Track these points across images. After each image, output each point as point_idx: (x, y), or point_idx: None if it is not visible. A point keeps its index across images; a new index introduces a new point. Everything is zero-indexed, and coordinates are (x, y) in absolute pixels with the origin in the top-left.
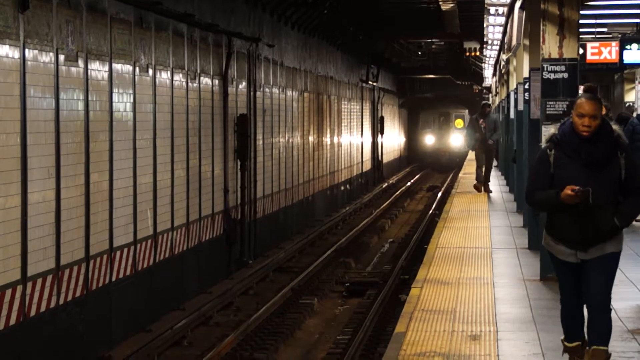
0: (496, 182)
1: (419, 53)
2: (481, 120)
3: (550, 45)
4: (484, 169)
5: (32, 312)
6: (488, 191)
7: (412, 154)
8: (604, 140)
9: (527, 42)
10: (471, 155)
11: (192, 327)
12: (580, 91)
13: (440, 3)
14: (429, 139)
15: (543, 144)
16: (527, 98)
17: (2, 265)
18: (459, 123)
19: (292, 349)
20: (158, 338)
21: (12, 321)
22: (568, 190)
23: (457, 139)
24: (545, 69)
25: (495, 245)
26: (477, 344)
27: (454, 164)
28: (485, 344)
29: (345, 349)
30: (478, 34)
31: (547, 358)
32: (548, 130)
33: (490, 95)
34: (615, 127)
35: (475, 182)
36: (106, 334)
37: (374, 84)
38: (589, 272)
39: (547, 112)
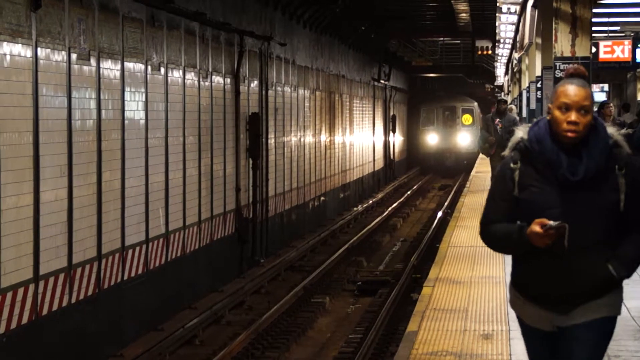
0: None
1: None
2: (497, 120)
3: (562, 44)
4: None
5: (44, 311)
6: None
7: (412, 156)
8: (596, 148)
9: (539, 40)
10: (482, 156)
11: (204, 326)
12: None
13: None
14: (431, 138)
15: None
16: (539, 96)
17: (14, 263)
18: (466, 119)
19: (303, 347)
20: (170, 337)
21: (25, 320)
22: (536, 227)
23: (464, 137)
24: (557, 68)
25: None
26: (489, 343)
27: (462, 167)
28: (497, 343)
29: (357, 347)
30: (490, 33)
31: None
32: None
33: (502, 93)
34: (611, 130)
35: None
36: (118, 333)
37: (386, 82)
38: (568, 345)
39: None
